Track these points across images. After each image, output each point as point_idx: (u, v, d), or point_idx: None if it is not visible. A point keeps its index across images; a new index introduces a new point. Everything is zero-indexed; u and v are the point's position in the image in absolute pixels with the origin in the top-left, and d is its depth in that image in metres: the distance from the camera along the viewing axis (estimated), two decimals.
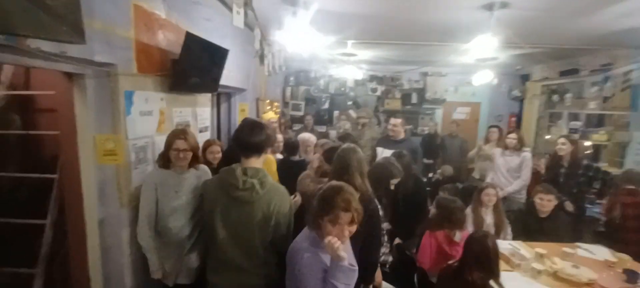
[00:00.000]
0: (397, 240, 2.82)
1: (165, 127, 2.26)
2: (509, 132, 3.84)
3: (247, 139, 1.60)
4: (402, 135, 3.69)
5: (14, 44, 1.26)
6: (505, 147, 3.74)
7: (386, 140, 3.79)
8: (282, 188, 1.69)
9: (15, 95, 2.38)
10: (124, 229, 1.96)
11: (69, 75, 1.77)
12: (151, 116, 2.11)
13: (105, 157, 1.90)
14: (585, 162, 3.49)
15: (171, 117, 2.34)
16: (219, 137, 3.97)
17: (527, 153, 3.64)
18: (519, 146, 3.64)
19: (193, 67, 2.28)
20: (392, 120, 3.75)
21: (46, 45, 1.38)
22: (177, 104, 2.41)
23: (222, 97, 4.05)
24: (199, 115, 2.76)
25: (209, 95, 2.87)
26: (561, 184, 3.33)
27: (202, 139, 2.85)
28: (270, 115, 4.38)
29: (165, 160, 1.96)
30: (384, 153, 3.46)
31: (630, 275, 2.13)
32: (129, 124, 1.90)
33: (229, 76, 3.25)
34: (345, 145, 1.96)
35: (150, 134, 2.11)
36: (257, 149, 1.62)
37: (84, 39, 1.47)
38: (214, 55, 2.54)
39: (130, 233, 1.98)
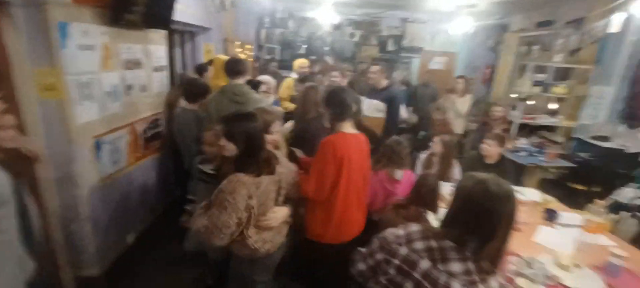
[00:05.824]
0: None
1: (111, 63, 2.21)
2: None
3: (235, 68, 2.53)
4: (383, 84, 3.47)
5: None
6: None
7: (368, 89, 3.62)
8: (258, 97, 2.68)
9: None
10: (74, 163, 2.01)
11: None
12: (93, 51, 2.04)
13: (46, 92, 1.88)
14: None
15: (118, 54, 2.27)
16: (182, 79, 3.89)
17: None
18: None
19: None
20: (372, 68, 3.58)
21: None
22: (124, 40, 2.32)
23: (186, 36, 3.89)
24: (152, 53, 2.67)
25: (163, 32, 2.75)
26: None
27: (157, 79, 2.80)
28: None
29: None
30: (366, 102, 3.35)
31: (549, 214, 2.36)
32: (67, 58, 1.85)
33: (186, 12, 3.10)
34: (307, 83, 2.60)
35: (94, 69, 2.06)
36: (242, 73, 2.54)
37: None
38: None
39: (81, 167, 2.05)
